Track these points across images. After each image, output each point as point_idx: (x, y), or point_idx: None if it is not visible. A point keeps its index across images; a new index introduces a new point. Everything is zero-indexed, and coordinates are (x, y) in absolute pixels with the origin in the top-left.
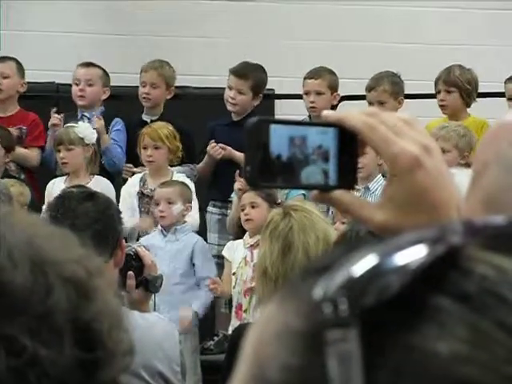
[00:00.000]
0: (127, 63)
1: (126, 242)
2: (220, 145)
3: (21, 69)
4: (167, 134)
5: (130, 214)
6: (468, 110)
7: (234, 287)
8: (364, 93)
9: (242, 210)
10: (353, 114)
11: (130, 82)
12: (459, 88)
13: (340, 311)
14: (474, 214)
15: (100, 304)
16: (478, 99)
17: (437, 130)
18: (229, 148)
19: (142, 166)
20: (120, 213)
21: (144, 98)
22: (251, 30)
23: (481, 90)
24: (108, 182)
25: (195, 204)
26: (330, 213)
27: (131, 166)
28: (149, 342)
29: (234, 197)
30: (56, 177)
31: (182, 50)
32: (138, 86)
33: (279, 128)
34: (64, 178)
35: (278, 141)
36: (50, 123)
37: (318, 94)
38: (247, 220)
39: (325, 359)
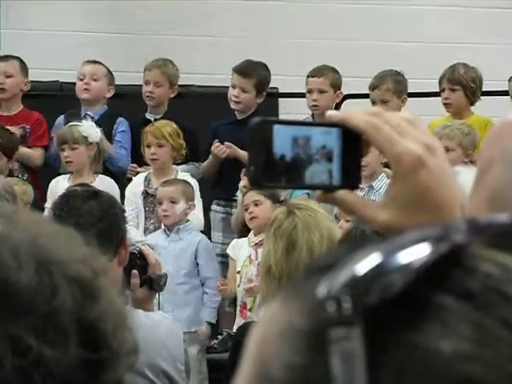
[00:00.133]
0: (130, 62)
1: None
2: (226, 143)
3: (24, 68)
4: (170, 131)
5: (134, 214)
6: (472, 108)
7: (238, 286)
8: (367, 91)
9: (246, 210)
10: (356, 113)
11: (133, 81)
12: (463, 86)
13: (343, 309)
14: (479, 211)
15: (105, 303)
16: (481, 97)
17: (440, 129)
18: (233, 147)
19: (147, 165)
20: (124, 212)
21: (148, 96)
22: (255, 28)
23: (484, 88)
24: (112, 181)
25: (199, 204)
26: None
27: (135, 165)
28: (153, 340)
29: (239, 195)
30: (59, 175)
31: (185, 48)
32: (141, 85)
33: (282, 128)
34: (68, 176)
35: (282, 141)
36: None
37: (321, 92)
38: (252, 218)
39: (328, 358)
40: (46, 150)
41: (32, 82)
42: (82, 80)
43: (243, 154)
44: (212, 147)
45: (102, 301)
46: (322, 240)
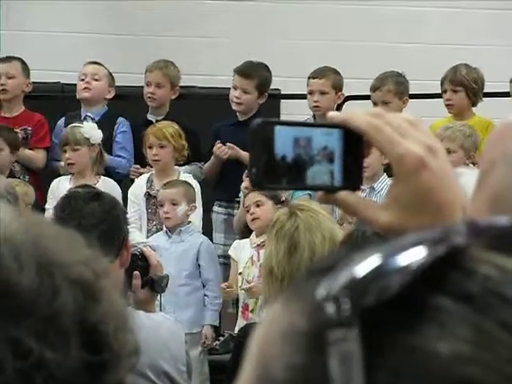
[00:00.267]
0: (131, 63)
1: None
2: (228, 144)
3: (26, 69)
4: (172, 132)
5: (137, 216)
6: (473, 109)
7: (240, 287)
8: (369, 93)
9: (247, 211)
10: (358, 115)
11: (133, 82)
12: (465, 87)
13: (341, 311)
14: (481, 213)
15: (106, 305)
16: (483, 99)
17: (442, 131)
18: (236, 148)
19: (150, 166)
20: (126, 213)
21: (149, 97)
22: (256, 29)
23: (485, 89)
24: (114, 183)
25: (199, 208)
26: (336, 213)
27: (138, 166)
28: (155, 341)
29: (241, 197)
30: (60, 175)
31: (186, 49)
32: (141, 86)
33: (284, 129)
34: (69, 177)
35: (283, 142)
36: None
37: (322, 93)
38: (253, 219)
39: (327, 359)
40: (48, 151)
41: (33, 83)
42: (83, 80)
43: (245, 155)
44: (214, 148)
45: (104, 303)
46: (323, 241)
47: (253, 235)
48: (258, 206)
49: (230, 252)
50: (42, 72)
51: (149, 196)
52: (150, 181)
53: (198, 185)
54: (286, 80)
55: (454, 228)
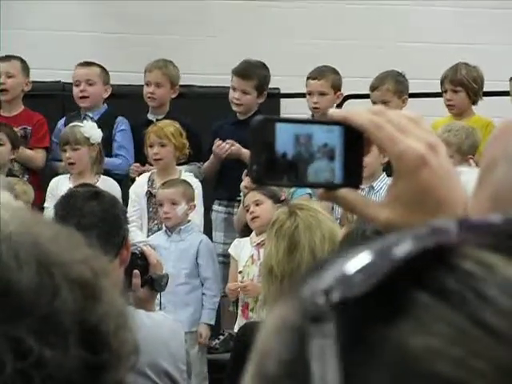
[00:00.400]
0: (131, 62)
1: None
2: (228, 141)
3: (25, 68)
4: (173, 131)
5: (138, 215)
6: (473, 108)
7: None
8: (368, 92)
9: (247, 210)
10: (359, 112)
11: (133, 81)
12: (465, 87)
13: (319, 306)
14: (483, 211)
15: (106, 305)
16: (483, 98)
17: (440, 133)
18: (237, 145)
19: (150, 165)
20: (125, 212)
21: (149, 97)
22: (255, 28)
23: (485, 88)
24: (114, 182)
25: (200, 207)
26: (336, 212)
27: (138, 165)
28: (154, 340)
29: (242, 196)
30: (58, 174)
31: (185, 49)
32: (141, 85)
33: (285, 126)
34: (68, 175)
35: (284, 139)
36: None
37: (321, 94)
38: (253, 218)
39: (307, 353)
40: (47, 151)
41: (34, 82)
42: (77, 86)
43: (246, 153)
44: (214, 146)
45: (104, 302)
46: (323, 240)
47: (253, 234)
48: (257, 205)
49: (230, 251)
50: (43, 71)
51: (150, 195)
52: (151, 180)
53: (200, 184)
54: (286, 79)
55: (444, 224)
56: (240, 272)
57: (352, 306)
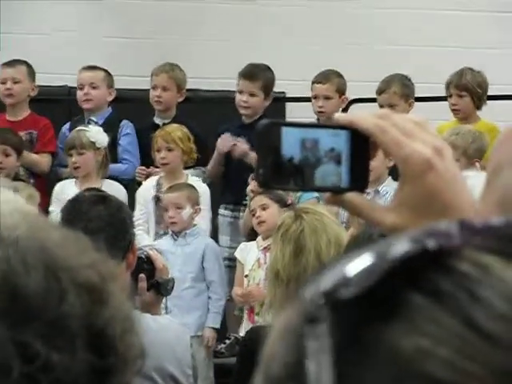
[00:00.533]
0: (136, 66)
1: None
2: (239, 139)
3: (32, 72)
4: (180, 135)
5: (145, 219)
6: (477, 112)
7: (246, 289)
8: (374, 95)
9: (253, 215)
10: (365, 116)
11: (139, 85)
12: (470, 92)
13: (315, 307)
14: (490, 215)
15: (113, 309)
16: (487, 102)
17: (447, 136)
18: (245, 145)
19: (155, 167)
20: (132, 216)
21: (156, 101)
22: (261, 32)
23: (490, 92)
24: (119, 186)
25: (208, 212)
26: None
27: (143, 168)
28: (160, 344)
29: (248, 200)
30: (64, 179)
31: (191, 53)
32: (147, 89)
33: (291, 131)
34: (74, 180)
35: (290, 143)
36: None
37: (327, 98)
38: (259, 223)
39: (304, 354)
40: (53, 155)
41: (40, 86)
42: (81, 89)
43: (252, 156)
44: (217, 142)
45: (110, 306)
46: (329, 244)
47: (259, 238)
48: (263, 209)
49: (237, 254)
50: (49, 75)
51: (157, 199)
52: (158, 184)
53: (208, 189)
54: (292, 83)
55: (445, 227)
56: (246, 276)
57: (347, 307)
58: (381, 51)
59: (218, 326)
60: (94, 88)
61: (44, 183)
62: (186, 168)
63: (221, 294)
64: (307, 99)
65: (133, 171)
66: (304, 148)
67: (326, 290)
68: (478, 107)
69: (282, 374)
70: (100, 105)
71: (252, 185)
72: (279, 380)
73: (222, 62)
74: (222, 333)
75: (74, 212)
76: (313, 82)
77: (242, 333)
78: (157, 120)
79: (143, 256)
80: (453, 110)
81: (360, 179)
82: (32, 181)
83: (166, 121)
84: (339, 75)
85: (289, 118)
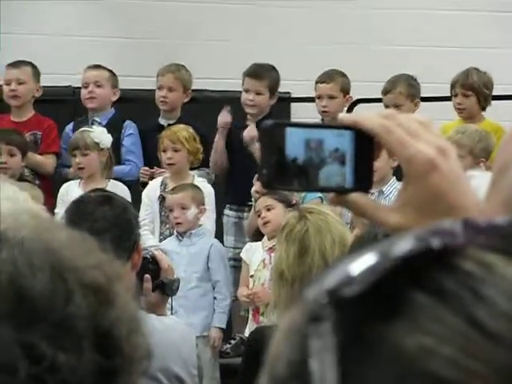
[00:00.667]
0: (141, 67)
1: None
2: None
3: (36, 73)
4: (186, 136)
5: (150, 219)
6: (482, 112)
7: (251, 290)
8: (379, 96)
9: (259, 216)
10: (369, 116)
11: (144, 86)
12: (476, 92)
13: (319, 305)
14: (495, 215)
15: (119, 310)
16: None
17: (453, 134)
18: (255, 133)
19: (159, 167)
20: (137, 216)
21: (161, 101)
22: (266, 32)
23: (494, 92)
24: (124, 186)
25: (213, 213)
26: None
27: (147, 168)
28: (166, 345)
29: (253, 201)
30: (69, 180)
31: (196, 53)
32: (151, 90)
33: (295, 131)
34: (78, 181)
35: (294, 144)
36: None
37: (331, 98)
38: (265, 223)
39: (308, 353)
40: (57, 156)
41: (44, 87)
42: (86, 87)
43: (257, 145)
44: (219, 118)
45: (117, 307)
46: (333, 244)
47: (265, 238)
48: (268, 210)
49: (242, 255)
50: (53, 76)
51: (163, 199)
52: (164, 184)
53: (213, 190)
54: (296, 83)
55: (449, 226)
56: (251, 276)
57: (351, 305)
58: (385, 51)
59: (224, 325)
60: (98, 87)
61: (49, 184)
62: (192, 169)
63: (226, 293)
64: (312, 99)
65: (136, 172)
66: (308, 148)
67: (329, 289)
68: (484, 108)
69: (287, 373)
70: (104, 104)
71: (257, 186)
72: (284, 379)
73: (224, 62)
74: (227, 333)
75: (80, 213)
76: (316, 82)
77: (247, 333)
78: (162, 121)
79: (148, 256)
80: (457, 110)
81: (364, 179)
82: (37, 182)
83: (171, 121)
84: (343, 75)
85: (294, 119)
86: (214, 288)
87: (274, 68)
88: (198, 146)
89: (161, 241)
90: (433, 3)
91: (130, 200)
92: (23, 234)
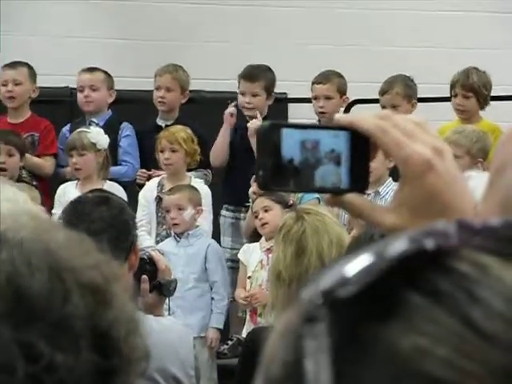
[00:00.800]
0: (139, 68)
1: None
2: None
3: (33, 74)
4: (184, 137)
5: (147, 220)
6: (480, 113)
7: (248, 291)
8: (376, 96)
9: (256, 217)
10: (365, 117)
11: (142, 87)
12: (476, 92)
13: (314, 306)
14: (492, 216)
15: (117, 310)
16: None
17: (450, 134)
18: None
19: (156, 168)
20: (134, 217)
21: (159, 102)
22: (263, 33)
23: (492, 93)
24: (120, 187)
25: (210, 214)
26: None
27: (144, 171)
28: (163, 346)
29: (251, 202)
30: (67, 181)
31: (192, 54)
32: (149, 91)
33: (291, 132)
34: (75, 182)
35: (290, 145)
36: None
37: (327, 98)
38: (262, 225)
39: (302, 354)
40: (55, 157)
41: (42, 88)
42: (81, 91)
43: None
44: (225, 112)
45: (114, 307)
46: (331, 245)
47: (263, 239)
48: (266, 211)
49: (240, 256)
50: (50, 77)
51: (159, 200)
52: (160, 185)
53: (210, 192)
54: (293, 84)
55: (444, 227)
56: (249, 277)
57: (346, 306)
58: (383, 52)
59: (221, 326)
60: (94, 90)
61: (47, 185)
62: (189, 170)
63: (223, 294)
64: (310, 100)
65: (133, 173)
66: (304, 149)
67: (324, 290)
68: (482, 108)
69: (281, 374)
70: (100, 107)
71: (254, 187)
72: (278, 380)
73: (223, 63)
74: (224, 334)
75: (77, 213)
76: (313, 83)
77: (244, 334)
78: (160, 121)
79: (145, 257)
80: (458, 111)
81: (360, 180)
82: (35, 183)
83: (169, 122)
84: (340, 75)
85: (291, 119)
86: (211, 289)
87: (268, 68)
88: (195, 147)
89: (158, 242)
90: (431, 4)
91: (125, 199)
92: (22, 234)
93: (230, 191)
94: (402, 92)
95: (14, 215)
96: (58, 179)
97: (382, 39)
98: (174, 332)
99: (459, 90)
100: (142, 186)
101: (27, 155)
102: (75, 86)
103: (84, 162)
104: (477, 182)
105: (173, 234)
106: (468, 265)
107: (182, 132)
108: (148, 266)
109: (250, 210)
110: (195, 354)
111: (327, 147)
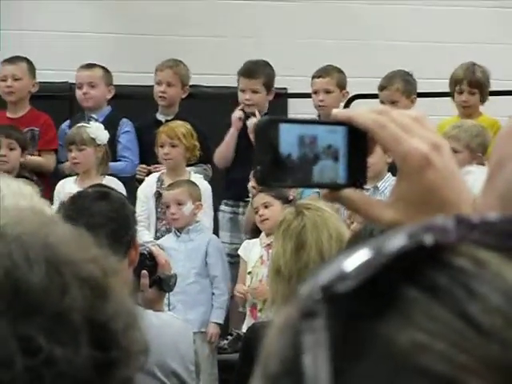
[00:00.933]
0: (138, 63)
1: None
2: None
3: (32, 69)
4: (184, 132)
5: (146, 215)
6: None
7: (249, 286)
8: (375, 92)
9: (256, 213)
10: (362, 112)
11: (141, 82)
12: (481, 89)
13: (312, 301)
14: (491, 210)
15: (115, 304)
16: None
17: (449, 129)
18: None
19: (156, 164)
20: (134, 212)
21: (160, 96)
22: (264, 29)
23: (491, 88)
24: (119, 182)
25: (210, 210)
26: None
27: (144, 166)
28: (163, 341)
29: (251, 197)
30: (66, 177)
31: (192, 49)
32: (149, 86)
33: (288, 127)
34: (74, 177)
35: (288, 140)
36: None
37: (327, 92)
38: (263, 220)
39: (301, 349)
40: (56, 152)
41: (41, 83)
42: (80, 88)
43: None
44: (233, 114)
45: (113, 301)
46: (330, 240)
47: (262, 235)
48: (266, 207)
49: (240, 252)
50: (50, 72)
51: (159, 195)
52: (160, 180)
53: (210, 187)
54: (293, 79)
55: (442, 222)
56: (249, 273)
57: (344, 301)
58: (383, 47)
59: (221, 321)
60: (92, 87)
61: (47, 180)
62: (189, 165)
63: (224, 289)
64: (309, 95)
65: (132, 169)
66: (302, 144)
67: (323, 285)
68: (482, 103)
69: (280, 369)
70: (99, 103)
71: (253, 181)
72: (277, 376)
73: (222, 58)
74: (224, 329)
75: (77, 208)
76: (313, 77)
77: (244, 329)
78: (160, 116)
79: (145, 252)
80: (461, 107)
81: (358, 175)
82: (35, 178)
83: (169, 117)
84: (339, 70)
85: (291, 114)
86: (212, 283)
87: (267, 64)
88: (195, 142)
89: (157, 237)
90: None
91: (124, 194)
92: (21, 228)
93: (228, 186)
94: (401, 88)
95: (17, 209)
96: (57, 175)
97: (383, 34)
98: (173, 327)
99: (465, 87)
100: (141, 181)
101: (28, 157)
102: (75, 81)
103: (83, 156)
104: (476, 176)
105: (173, 229)
106: (466, 260)
107: (181, 127)
108: (148, 261)
109: (249, 205)
110: (195, 349)
111: (325, 142)
